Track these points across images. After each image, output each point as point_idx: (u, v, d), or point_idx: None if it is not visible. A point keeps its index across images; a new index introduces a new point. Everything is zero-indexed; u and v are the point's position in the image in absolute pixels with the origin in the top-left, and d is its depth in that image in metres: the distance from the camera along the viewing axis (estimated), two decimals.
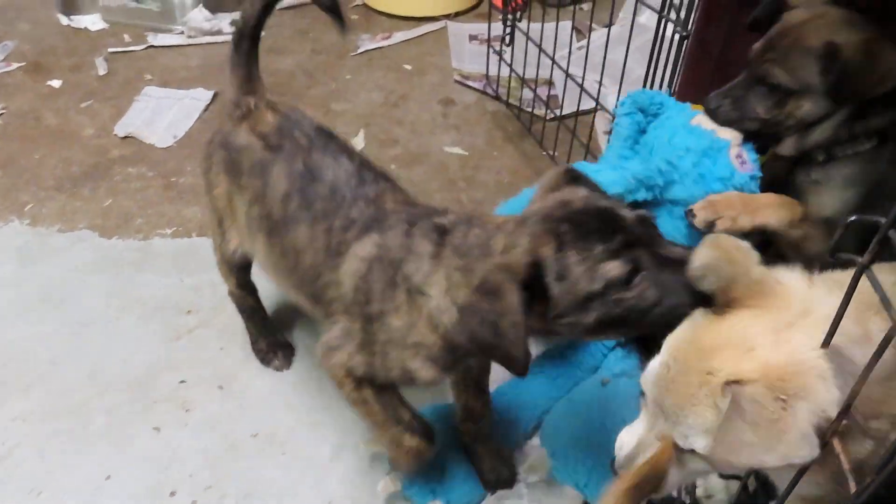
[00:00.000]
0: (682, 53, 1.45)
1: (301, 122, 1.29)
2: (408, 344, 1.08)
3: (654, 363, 0.86)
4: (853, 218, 0.64)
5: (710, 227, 1.23)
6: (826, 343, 0.72)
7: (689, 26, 1.41)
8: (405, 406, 1.20)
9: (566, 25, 2.63)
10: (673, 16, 1.44)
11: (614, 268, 0.89)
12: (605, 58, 1.94)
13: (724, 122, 1.28)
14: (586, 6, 3.05)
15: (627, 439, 0.91)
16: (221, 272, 1.51)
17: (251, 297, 1.56)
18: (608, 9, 1.89)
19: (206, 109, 2.44)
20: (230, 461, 1.43)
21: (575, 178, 1.03)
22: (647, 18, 2.60)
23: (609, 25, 2.02)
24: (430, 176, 2.20)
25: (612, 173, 1.32)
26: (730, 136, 1.29)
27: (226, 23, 2.89)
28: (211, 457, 1.43)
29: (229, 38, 2.88)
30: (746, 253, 0.82)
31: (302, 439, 1.47)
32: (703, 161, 1.27)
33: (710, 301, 0.83)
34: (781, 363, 0.73)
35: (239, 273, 1.48)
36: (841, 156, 1.25)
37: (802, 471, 0.76)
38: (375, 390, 1.16)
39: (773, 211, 1.24)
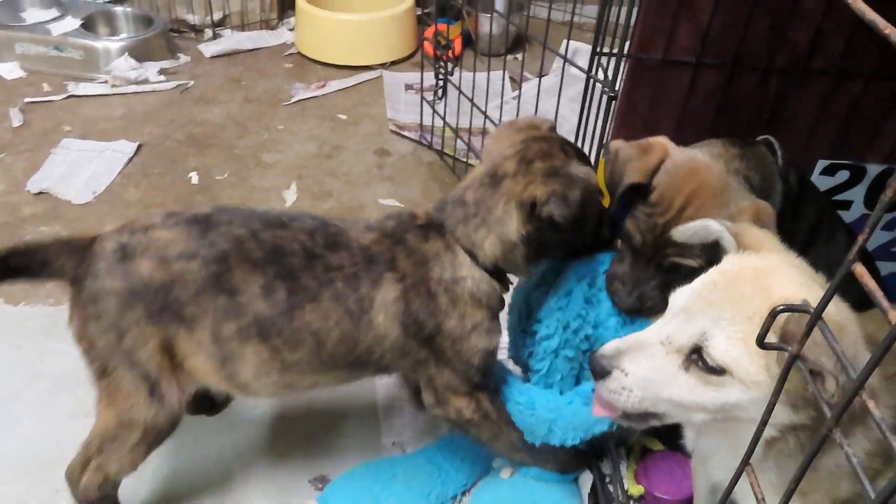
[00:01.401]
0: (611, 112, 1.45)
1: (214, 221, 1.12)
2: (468, 331, 1.16)
3: (694, 282, 0.85)
4: (781, 307, 0.62)
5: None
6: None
7: (616, 87, 1.41)
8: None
9: (499, 75, 2.65)
10: (601, 76, 1.44)
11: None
12: (537, 107, 1.94)
13: (649, 314, 1.23)
14: (518, 56, 3.09)
15: (619, 339, 0.88)
16: (129, 457, 1.18)
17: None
18: (540, 58, 1.89)
19: (128, 163, 2.33)
20: None
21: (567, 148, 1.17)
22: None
23: (541, 76, 2.03)
24: None
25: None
26: None
27: (153, 71, 2.80)
28: None
29: (156, 87, 2.84)
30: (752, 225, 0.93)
31: None
32: None
33: None
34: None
35: (152, 451, 1.20)
36: None
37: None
38: (486, 395, 1.25)
39: None
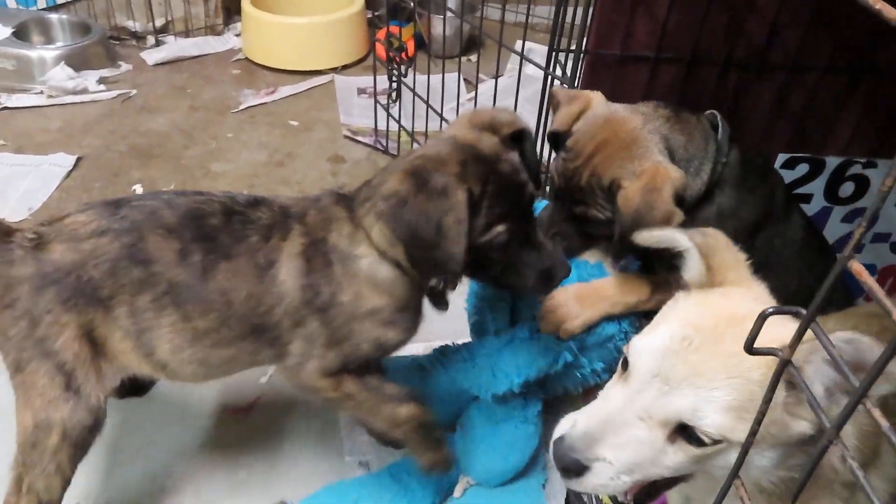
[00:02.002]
0: None
1: (128, 199, 1.10)
2: (363, 313, 1.08)
3: (658, 336, 0.74)
4: (770, 310, 0.57)
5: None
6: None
7: (577, 82, 1.37)
8: (387, 382, 1.17)
9: (454, 77, 2.61)
10: (559, 73, 1.41)
11: (502, 232, 1.00)
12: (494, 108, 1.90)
13: (571, 254, 1.26)
14: (473, 57, 3.05)
15: (582, 418, 0.76)
16: (53, 465, 1.07)
17: None
18: (495, 59, 1.85)
19: (67, 177, 2.21)
20: None
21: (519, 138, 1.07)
22: (535, 69, 2.60)
23: (497, 76, 1.99)
24: None
25: None
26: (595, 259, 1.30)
27: (91, 81, 2.68)
28: None
29: (96, 97, 2.71)
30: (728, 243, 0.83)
31: None
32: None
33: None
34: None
35: (79, 458, 1.10)
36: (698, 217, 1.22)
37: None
38: (354, 378, 1.13)
39: (611, 302, 1.24)
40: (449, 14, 3.00)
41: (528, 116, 2.08)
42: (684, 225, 1.21)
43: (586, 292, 1.24)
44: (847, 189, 1.69)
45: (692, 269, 0.81)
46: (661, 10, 1.40)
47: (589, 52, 1.45)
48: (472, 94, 2.67)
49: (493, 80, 2.08)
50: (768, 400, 0.59)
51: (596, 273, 1.28)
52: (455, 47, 3.05)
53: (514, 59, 2.88)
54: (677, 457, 0.72)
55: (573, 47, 1.44)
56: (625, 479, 0.74)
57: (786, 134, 1.61)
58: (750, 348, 0.60)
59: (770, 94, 1.55)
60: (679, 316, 0.76)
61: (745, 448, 0.62)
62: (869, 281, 0.50)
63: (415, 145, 2.32)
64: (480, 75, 2.78)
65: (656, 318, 0.79)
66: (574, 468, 0.74)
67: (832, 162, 1.64)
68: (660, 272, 1.25)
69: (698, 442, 0.71)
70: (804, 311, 0.54)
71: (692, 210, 1.16)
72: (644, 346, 0.74)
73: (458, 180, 0.96)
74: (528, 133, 1.09)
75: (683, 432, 0.72)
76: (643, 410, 0.72)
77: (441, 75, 2.13)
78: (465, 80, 2.71)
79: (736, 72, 1.51)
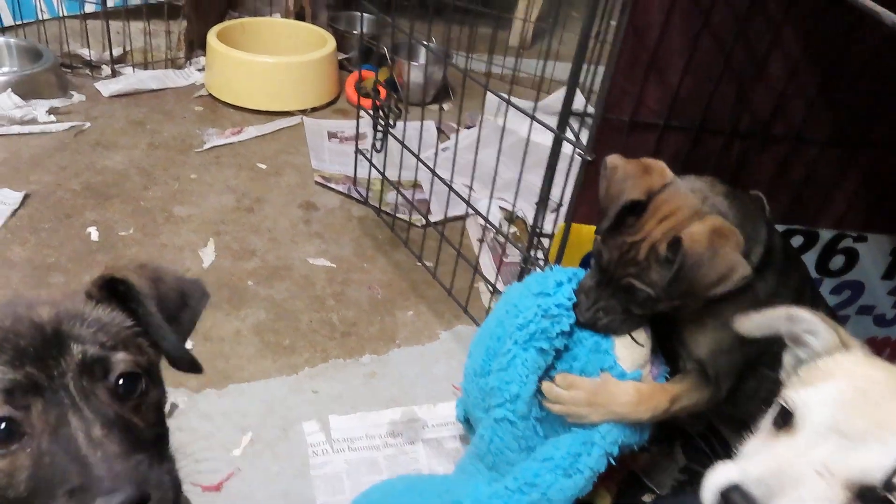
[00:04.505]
0: (582, 175, 1.36)
1: None
2: None
3: (829, 389, 0.69)
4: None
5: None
6: None
7: (592, 147, 1.32)
8: None
9: (427, 125, 2.55)
10: (570, 135, 1.36)
11: None
12: (475, 161, 1.84)
13: (604, 332, 1.24)
14: (446, 105, 3.01)
15: (751, 467, 0.68)
16: None
17: None
18: (469, 108, 1.79)
19: (13, 215, 2.02)
20: None
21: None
22: (518, 124, 2.55)
23: (471, 126, 1.94)
24: (294, 293, 1.94)
25: None
26: (633, 364, 1.24)
27: (41, 111, 2.49)
28: None
29: (45, 128, 2.52)
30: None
31: None
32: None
33: None
34: None
35: None
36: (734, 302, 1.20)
37: None
38: None
39: (619, 415, 1.20)
40: (422, 61, 2.96)
41: (506, 170, 2.03)
42: (718, 310, 1.18)
43: (602, 398, 1.19)
44: (838, 262, 1.69)
45: (825, 338, 0.77)
46: (673, 78, 1.38)
47: (600, 117, 1.40)
48: (445, 143, 2.63)
49: (471, 130, 2.05)
50: None
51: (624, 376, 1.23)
52: (427, 95, 3.00)
53: (490, 108, 2.84)
54: None
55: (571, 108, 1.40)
56: None
57: (783, 205, 1.60)
58: None
59: (771, 164, 1.54)
60: (846, 371, 0.71)
61: None
62: None
63: (390, 195, 2.23)
64: (451, 124, 2.75)
65: (811, 374, 0.74)
66: None
67: (826, 234, 1.64)
68: (686, 365, 1.22)
69: None
70: None
71: (728, 294, 1.11)
72: (814, 399, 0.69)
73: None
74: (136, 289, 0.77)
75: (870, 496, 0.64)
76: (821, 465, 0.65)
77: (420, 122, 2.06)
78: (440, 130, 2.65)
79: (740, 142, 1.50)
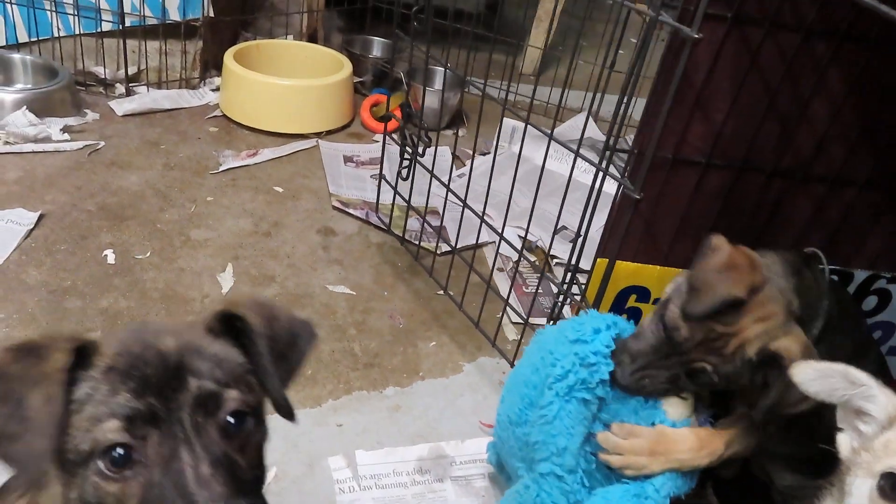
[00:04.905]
0: (630, 215, 1.33)
1: None
2: None
3: None
4: None
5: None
6: None
7: (638, 184, 1.30)
8: None
9: (443, 151, 2.53)
10: (614, 171, 1.34)
11: (111, 429, 0.65)
12: (488, 188, 1.82)
13: (645, 395, 1.22)
14: (461, 131, 3.00)
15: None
16: None
17: None
18: (483, 135, 1.77)
19: (27, 236, 1.98)
20: None
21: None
22: (532, 151, 2.54)
23: (486, 153, 1.92)
24: (315, 321, 1.84)
25: None
26: (680, 415, 1.22)
27: (56, 129, 2.46)
28: None
29: (60, 147, 2.49)
30: None
31: None
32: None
33: None
34: None
35: None
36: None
37: None
38: None
39: (681, 461, 1.18)
40: (438, 86, 2.95)
41: (522, 198, 2.00)
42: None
43: (663, 446, 1.17)
44: (871, 302, 1.68)
45: (883, 403, 0.75)
46: (718, 116, 1.37)
47: (643, 154, 1.39)
48: (461, 170, 2.61)
49: (483, 157, 2.03)
50: None
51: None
52: (443, 120, 2.99)
53: (504, 135, 2.83)
54: None
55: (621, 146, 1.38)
56: None
57: (818, 245, 1.58)
58: None
59: (809, 204, 1.53)
60: None
61: None
62: None
63: (412, 221, 2.20)
64: (470, 151, 2.73)
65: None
66: None
67: (860, 275, 1.63)
68: (737, 408, 1.20)
69: None
70: None
71: None
72: None
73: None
74: (251, 327, 0.77)
75: None
76: None
77: (432, 148, 2.05)
78: (455, 156, 2.64)
79: (780, 181, 1.49)
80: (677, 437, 1.17)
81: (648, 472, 1.16)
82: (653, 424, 1.18)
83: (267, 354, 0.76)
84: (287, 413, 0.80)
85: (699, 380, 1.18)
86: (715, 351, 1.13)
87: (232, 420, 0.71)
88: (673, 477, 1.16)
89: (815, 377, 0.79)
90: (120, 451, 0.66)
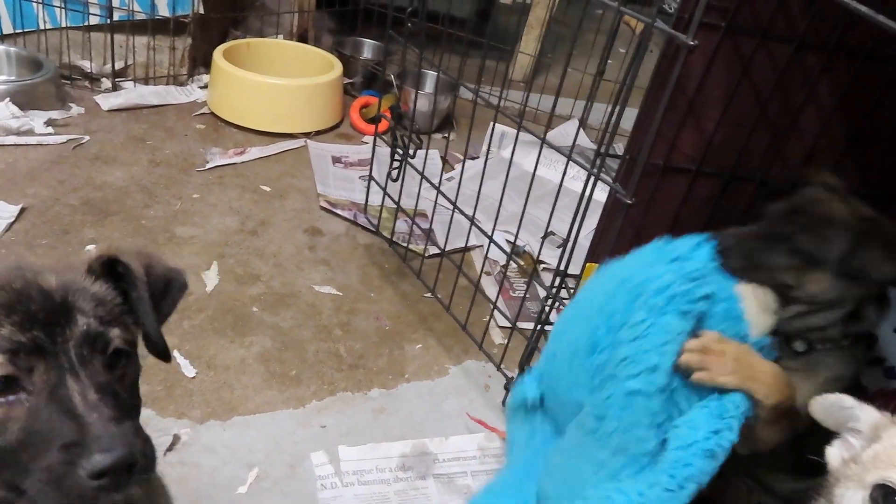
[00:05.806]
0: (621, 221, 1.34)
1: None
2: None
3: None
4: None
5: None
6: None
7: (630, 190, 1.30)
8: None
9: (433, 154, 2.52)
10: (605, 176, 1.34)
11: None
12: (479, 192, 1.81)
13: (733, 269, 1.16)
14: (451, 136, 3.00)
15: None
16: None
17: None
18: (473, 139, 1.77)
19: (8, 229, 1.95)
20: None
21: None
22: (521, 157, 2.54)
23: (475, 157, 1.92)
24: (300, 321, 1.88)
25: None
26: (760, 332, 1.17)
27: (39, 122, 2.42)
28: None
29: (43, 140, 2.45)
30: None
31: None
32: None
33: None
34: None
35: None
36: (819, 349, 1.19)
37: None
38: None
39: (765, 387, 1.10)
40: (429, 90, 2.95)
41: (510, 202, 1.97)
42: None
43: (746, 362, 1.10)
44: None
45: (866, 417, 0.78)
46: (709, 125, 1.38)
47: (633, 160, 1.39)
48: (450, 173, 2.61)
49: (472, 161, 2.03)
50: None
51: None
52: (433, 124, 2.98)
53: (494, 140, 2.83)
54: None
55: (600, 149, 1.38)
56: None
57: None
58: None
59: None
60: None
61: None
62: None
63: (399, 223, 2.20)
64: (459, 155, 2.73)
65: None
66: None
67: None
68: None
69: None
70: None
71: None
72: None
73: None
74: (133, 272, 0.82)
75: None
76: None
77: (422, 151, 2.04)
78: (444, 160, 2.63)
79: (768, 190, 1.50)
80: (757, 361, 1.11)
81: (723, 382, 1.09)
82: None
83: (147, 298, 0.81)
84: (163, 353, 0.87)
85: (793, 261, 1.18)
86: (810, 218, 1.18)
87: (115, 356, 0.76)
88: (744, 396, 1.10)
89: (822, 411, 0.81)
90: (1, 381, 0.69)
